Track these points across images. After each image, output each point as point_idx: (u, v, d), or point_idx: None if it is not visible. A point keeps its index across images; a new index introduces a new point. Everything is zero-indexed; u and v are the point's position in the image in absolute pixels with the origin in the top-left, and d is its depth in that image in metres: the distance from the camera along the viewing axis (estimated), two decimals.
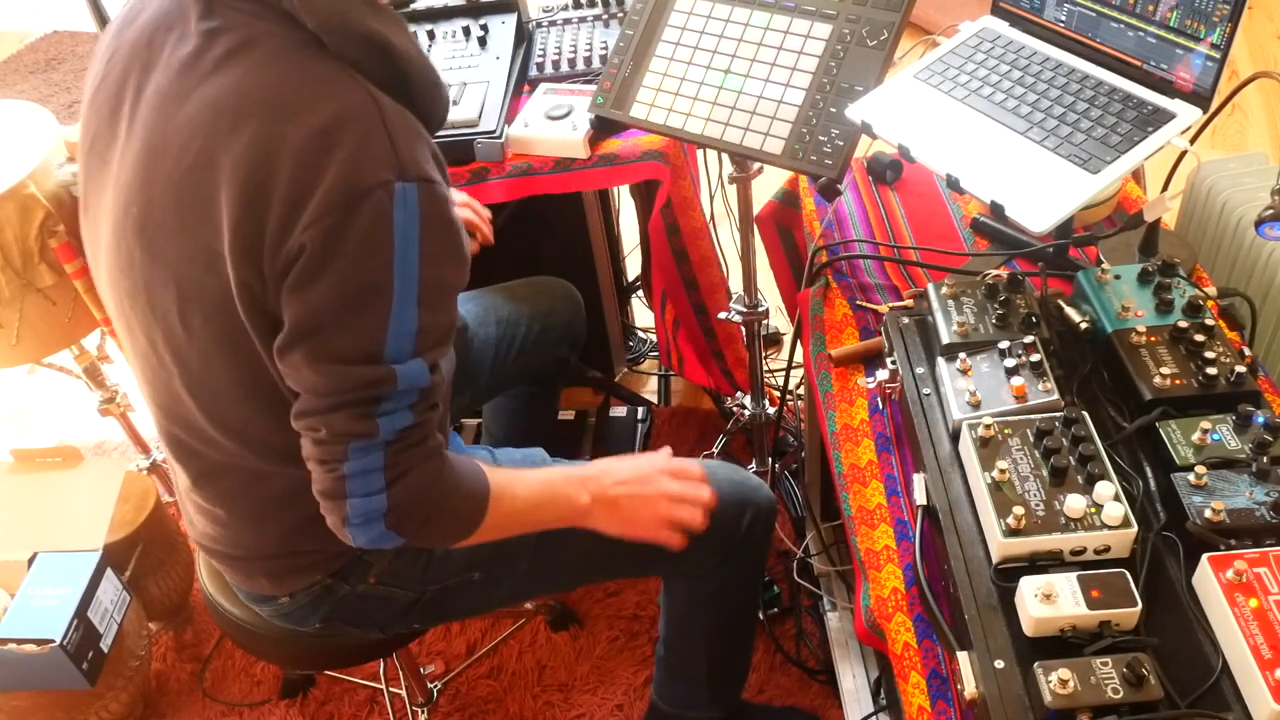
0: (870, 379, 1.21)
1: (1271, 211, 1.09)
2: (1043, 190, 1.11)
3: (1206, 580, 0.86)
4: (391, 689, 1.84)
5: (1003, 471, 0.94)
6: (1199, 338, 1.05)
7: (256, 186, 0.91)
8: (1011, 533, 0.89)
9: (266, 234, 0.91)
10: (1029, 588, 0.85)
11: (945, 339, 1.10)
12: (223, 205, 0.92)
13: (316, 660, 1.52)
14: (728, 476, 1.36)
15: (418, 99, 0.98)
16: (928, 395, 1.09)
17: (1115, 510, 0.89)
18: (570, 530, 1.24)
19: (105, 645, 1.77)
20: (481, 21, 1.80)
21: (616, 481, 1.21)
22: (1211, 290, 1.20)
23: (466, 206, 1.55)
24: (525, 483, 1.17)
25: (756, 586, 1.54)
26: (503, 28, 1.78)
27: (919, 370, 1.12)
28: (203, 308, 0.98)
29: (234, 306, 0.96)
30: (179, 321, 1.00)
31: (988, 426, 0.98)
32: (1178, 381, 1.02)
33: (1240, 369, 1.02)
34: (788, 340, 2.32)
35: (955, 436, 1.03)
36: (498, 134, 1.61)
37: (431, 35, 1.79)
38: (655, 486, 1.22)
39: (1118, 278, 1.14)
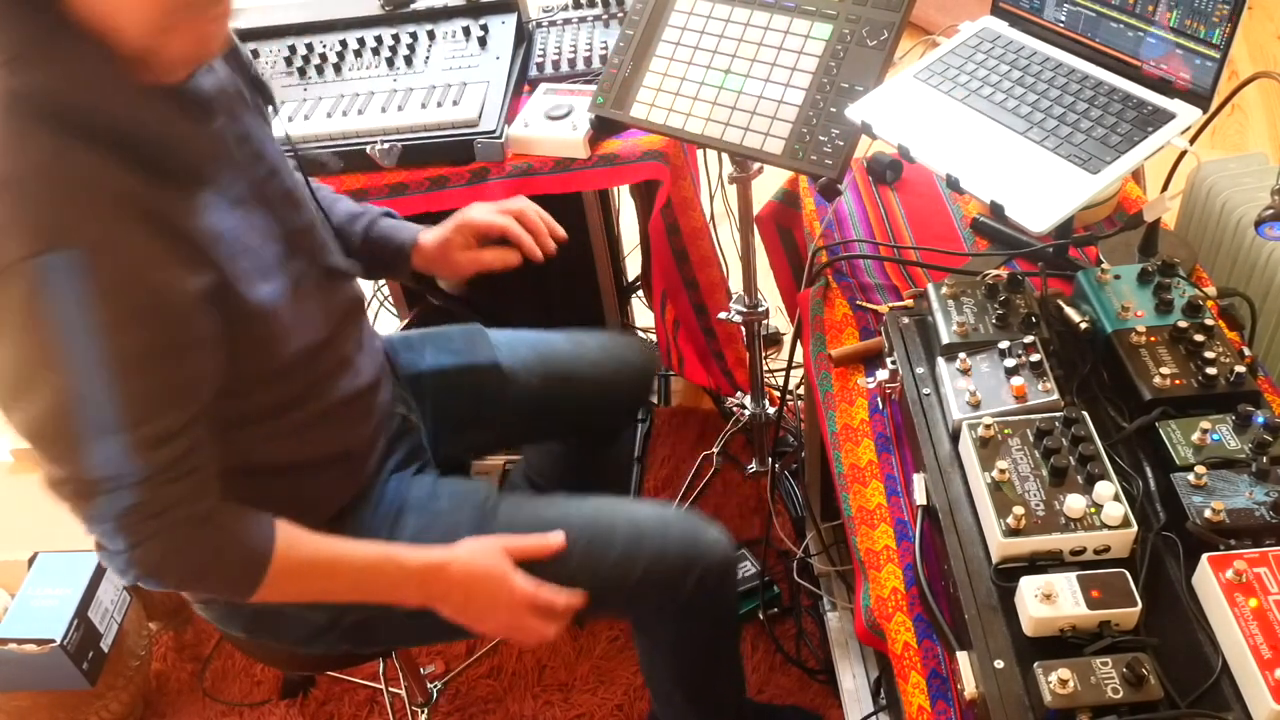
0: (870, 379, 1.21)
1: (1271, 211, 1.09)
2: (1043, 190, 1.11)
3: (1206, 580, 0.86)
4: (391, 689, 1.84)
5: (1003, 471, 0.94)
6: (1199, 338, 1.05)
7: None
8: (1011, 533, 0.89)
9: None
10: (1029, 588, 0.85)
11: (945, 339, 1.10)
12: None
13: (313, 663, 1.52)
14: (679, 533, 1.28)
15: (126, 147, 0.90)
16: (928, 395, 1.09)
17: (1115, 510, 0.89)
18: None
19: (105, 645, 1.77)
20: (481, 21, 1.80)
21: (465, 590, 1.14)
22: (1211, 290, 1.20)
23: (508, 214, 1.36)
24: (345, 560, 1.11)
25: (724, 634, 1.48)
26: (503, 28, 1.78)
27: (919, 370, 1.12)
28: None
29: None
30: None
31: (988, 426, 0.98)
32: (1177, 381, 1.02)
33: (1240, 369, 1.02)
34: (788, 340, 2.32)
35: (955, 436, 1.03)
36: (498, 134, 1.61)
37: (432, 35, 1.79)
38: (507, 595, 1.15)
39: (1118, 278, 1.14)
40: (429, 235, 1.37)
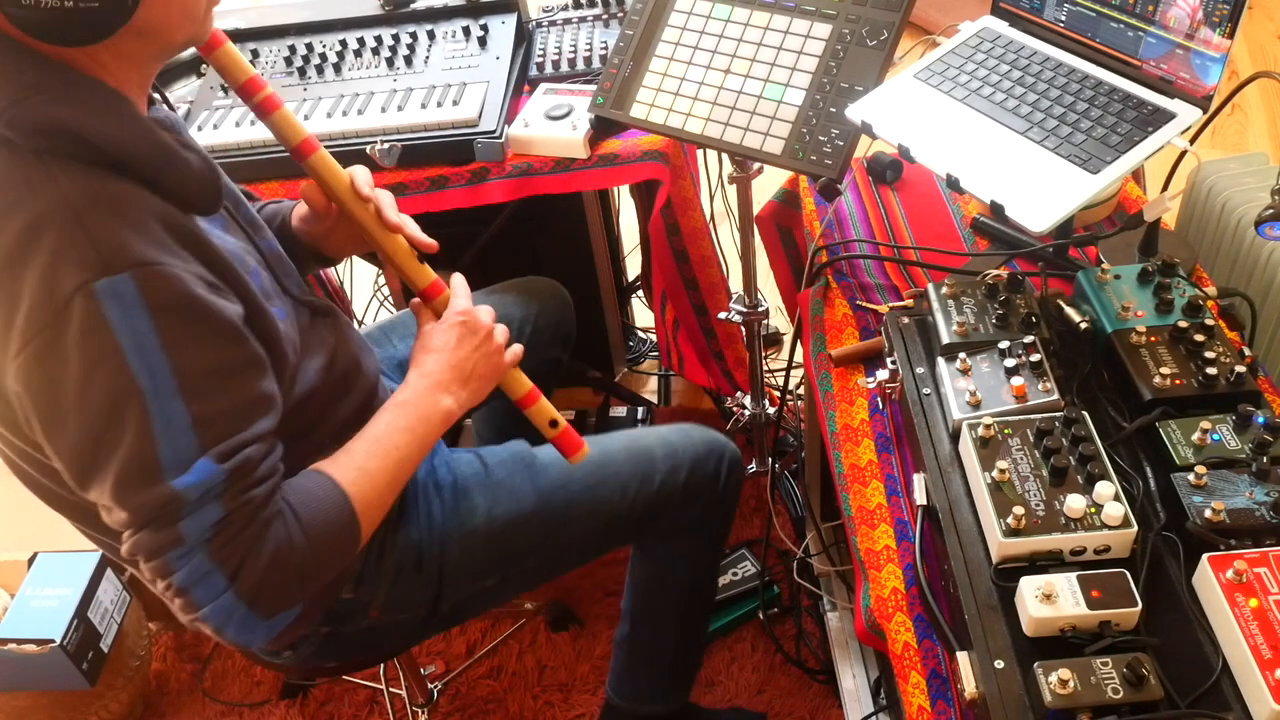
0: (870, 379, 1.21)
1: (1271, 211, 1.09)
2: (1043, 190, 1.11)
3: (1206, 580, 0.86)
4: (391, 689, 1.84)
5: (1003, 471, 0.94)
6: (1199, 338, 1.05)
7: None
8: (1011, 533, 0.89)
9: None
10: (1029, 588, 0.85)
11: (945, 339, 1.10)
12: None
13: (315, 669, 1.52)
14: (701, 436, 1.43)
15: (154, 177, 0.90)
16: (928, 395, 1.09)
17: (1115, 510, 0.89)
18: (568, 512, 1.29)
19: (105, 645, 1.77)
20: (481, 21, 1.80)
21: (455, 365, 1.15)
22: (1211, 290, 1.20)
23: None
24: (380, 444, 1.08)
25: (720, 554, 1.62)
26: (503, 28, 1.78)
27: (919, 370, 1.12)
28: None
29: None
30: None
31: (988, 426, 0.98)
32: (1178, 381, 1.02)
33: (1240, 369, 1.02)
34: (788, 340, 2.32)
35: (955, 436, 1.03)
36: (498, 134, 1.61)
37: (431, 35, 1.79)
38: (482, 338, 1.18)
39: (1118, 278, 1.14)
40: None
